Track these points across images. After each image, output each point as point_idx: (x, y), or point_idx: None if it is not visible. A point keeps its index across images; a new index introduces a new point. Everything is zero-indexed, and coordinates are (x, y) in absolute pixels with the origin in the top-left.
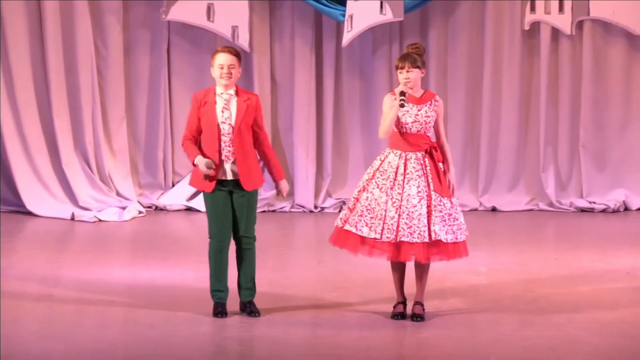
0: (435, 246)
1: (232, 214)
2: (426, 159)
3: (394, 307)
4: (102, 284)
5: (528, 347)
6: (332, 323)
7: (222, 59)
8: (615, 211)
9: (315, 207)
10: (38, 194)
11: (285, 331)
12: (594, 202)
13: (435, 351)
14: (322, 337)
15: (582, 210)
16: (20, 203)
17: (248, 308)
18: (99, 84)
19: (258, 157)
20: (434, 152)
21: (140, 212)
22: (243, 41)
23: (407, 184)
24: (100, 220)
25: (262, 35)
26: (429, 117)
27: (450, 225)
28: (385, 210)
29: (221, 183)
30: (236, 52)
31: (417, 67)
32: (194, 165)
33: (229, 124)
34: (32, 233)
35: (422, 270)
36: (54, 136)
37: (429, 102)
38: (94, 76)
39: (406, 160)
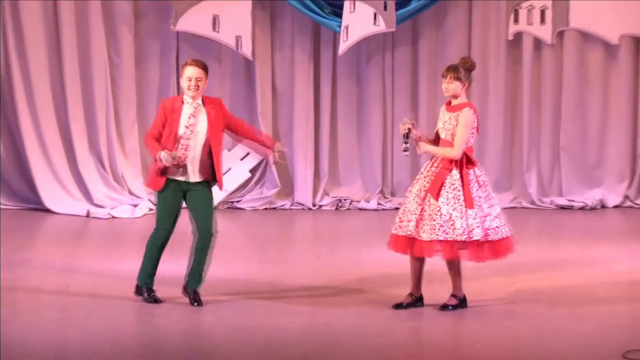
0: (415, 241)
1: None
2: (440, 164)
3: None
4: (115, 276)
5: (511, 335)
6: (328, 313)
7: (190, 72)
8: (592, 209)
9: (314, 205)
10: (55, 193)
11: (285, 320)
12: (573, 200)
13: (425, 338)
14: (318, 326)
15: (562, 207)
16: (39, 201)
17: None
18: (112, 91)
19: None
20: (450, 159)
21: (150, 210)
22: (246, 50)
23: (418, 182)
24: (113, 217)
25: (264, 45)
26: (451, 125)
27: (425, 224)
28: (402, 206)
29: (176, 182)
30: (203, 66)
31: (458, 79)
32: (155, 160)
33: (194, 131)
34: (50, 229)
35: (449, 265)
36: (71, 139)
37: (456, 113)
38: (108, 83)
39: (430, 162)
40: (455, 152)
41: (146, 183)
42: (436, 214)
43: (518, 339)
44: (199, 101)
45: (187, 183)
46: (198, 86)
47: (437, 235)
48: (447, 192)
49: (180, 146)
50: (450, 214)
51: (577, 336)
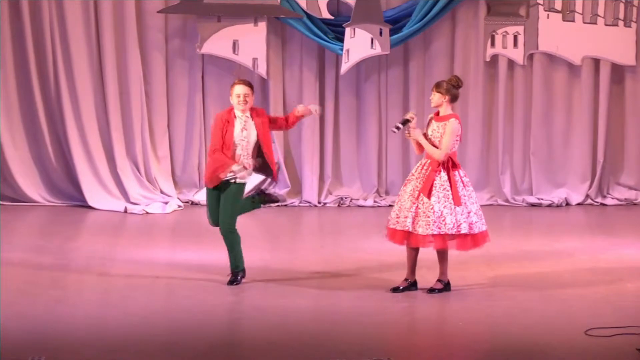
0: (410, 234)
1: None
2: (429, 167)
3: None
4: (148, 263)
5: (488, 314)
6: (332, 295)
7: (239, 89)
8: (558, 206)
9: (319, 203)
10: (97, 192)
11: (294, 301)
12: (542, 199)
13: (413, 317)
14: (323, 306)
15: (532, 205)
16: (83, 199)
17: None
18: (146, 105)
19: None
20: (438, 162)
21: (179, 206)
22: (261, 70)
23: (410, 183)
24: (147, 213)
25: (277, 65)
26: (439, 132)
27: (421, 220)
28: (396, 203)
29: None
30: (249, 84)
31: (439, 92)
32: (231, 170)
33: (247, 141)
34: (92, 223)
35: (439, 254)
36: (111, 146)
37: (443, 122)
38: (143, 98)
39: (420, 164)
40: (441, 155)
41: (206, 182)
42: (430, 211)
43: (494, 316)
44: (248, 114)
45: (228, 182)
46: (246, 101)
47: (432, 230)
48: (438, 191)
49: (238, 154)
50: (442, 211)
51: (546, 315)
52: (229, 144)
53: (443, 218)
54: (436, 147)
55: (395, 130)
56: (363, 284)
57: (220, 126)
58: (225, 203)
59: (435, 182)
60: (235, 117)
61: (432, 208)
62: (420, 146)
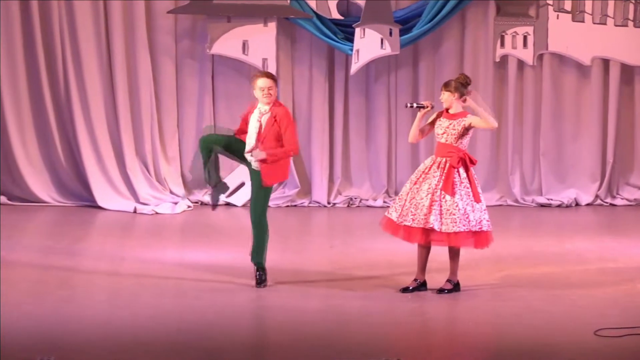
0: (432, 233)
1: None
2: (447, 164)
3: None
4: (158, 263)
5: (497, 314)
6: (340, 295)
7: (262, 82)
8: (568, 206)
9: (328, 203)
10: (107, 192)
11: (302, 301)
12: (551, 199)
13: (423, 317)
14: (331, 306)
15: (542, 205)
16: (92, 199)
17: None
18: (156, 106)
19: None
20: (457, 159)
21: (188, 207)
22: (271, 70)
23: (425, 181)
24: (156, 213)
25: (286, 66)
26: (454, 130)
27: (445, 218)
28: (405, 200)
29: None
30: (273, 76)
31: (449, 90)
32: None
33: (257, 133)
34: (102, 223)
35: (452, 253)
36: (121, 147)
37: (458, 120)
38: (152, 99)
39: (434, 162)
40: (493, 121)
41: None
42: (454, 209)
43: (503, 316)
44: (267, 107)
45: (253, 170)
46: (270, 94)
47: (458, 227)
48: (459, 189)
49: (250, 143)
50: (465, 209)
51: (554, 315)
52: (245, 131)
53: (467, 215)
54: (449, 146)
55: (409, 105)
56: (372, 284)
57: (246, 113)
58: (254, 191)
59: (455, 179)
60: (256, 108)
61: (456, 205)
62: (420, 134)
